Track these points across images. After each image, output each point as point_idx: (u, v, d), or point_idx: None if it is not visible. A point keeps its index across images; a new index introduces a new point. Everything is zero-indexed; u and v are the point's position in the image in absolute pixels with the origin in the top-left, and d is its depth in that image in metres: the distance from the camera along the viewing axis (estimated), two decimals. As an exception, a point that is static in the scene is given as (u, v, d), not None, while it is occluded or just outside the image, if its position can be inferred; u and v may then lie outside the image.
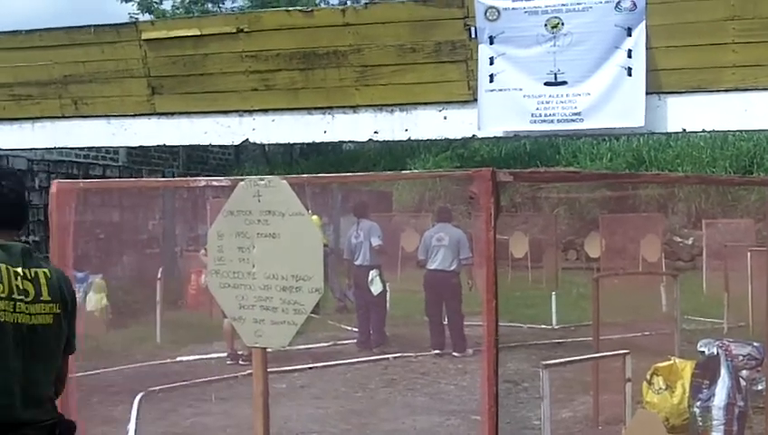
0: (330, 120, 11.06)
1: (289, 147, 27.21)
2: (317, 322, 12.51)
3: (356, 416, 8.16)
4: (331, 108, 11.04)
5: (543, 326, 13.34)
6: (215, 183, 4.31)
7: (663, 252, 19.49)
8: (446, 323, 11.75)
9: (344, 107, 10.98)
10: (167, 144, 12.76)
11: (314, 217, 13.60)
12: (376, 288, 11.62)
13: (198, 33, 11.44)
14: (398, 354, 11.17)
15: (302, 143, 18.52)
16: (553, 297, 13.70)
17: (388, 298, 12.57)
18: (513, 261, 20.45)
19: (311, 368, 10.22)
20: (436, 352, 11.35)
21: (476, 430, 6.31)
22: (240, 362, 10.26)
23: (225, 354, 10.76)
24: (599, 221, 20.99)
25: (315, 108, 11.08)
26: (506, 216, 24.68)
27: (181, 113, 11.63)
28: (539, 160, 27.33)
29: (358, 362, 10.83)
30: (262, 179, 3.84)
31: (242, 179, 3.90)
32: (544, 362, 5.98)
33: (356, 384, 9.58)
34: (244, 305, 3.87)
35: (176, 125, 11.70)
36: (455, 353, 11.22)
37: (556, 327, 13.22)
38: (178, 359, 10.96)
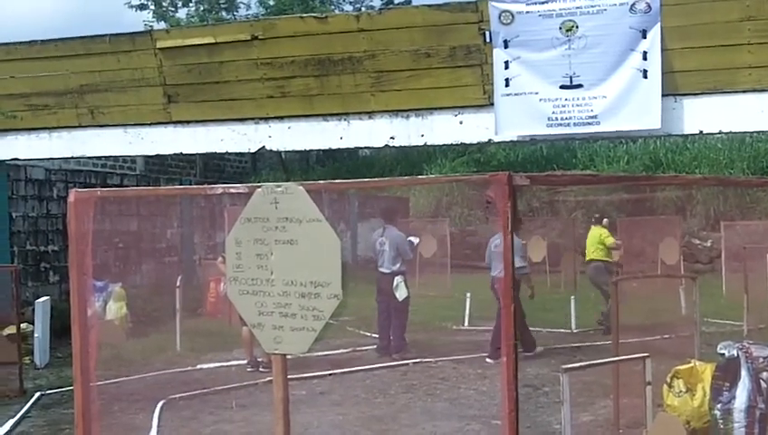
0: (345, 127, 11.09)
1: (305, 154, 27.30)
2: (336, 328, 12.51)
3: (376, 422, 8.14)
4: (346, 114, 11.07)
5: (563, 330, 13.27)
6: (231, 190, 4.30)
7: (681, 254, 19.36)
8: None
9: (360, 113, 11.01)
10: (183, 152, 12.81)
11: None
12: (401, 294, 11.60)
13: (213, 41, 11.50)
14: (418, 360, 11.14)
15: (319, 150, 18.61)
16: (572, 301, 13.63)
17: (408, 304, 12.56)
18: (531, 265, 20.36)
19: (330, 374, 10.21)
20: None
21: (496, 435, 6.30)
22: (260, 369, 10.27)
23: (245, 362, 10.77)
24: (616, 224, 20.89)
25: (331, 114, 11.11)
26: (524, 220, 24.64)
27: (197, 121, 11.70)
28: (555, 164, 27.30)
29: (377, 368, 10.80)
30: (279, 186, 3.84)
31: (259, 186, 3.90)
32: (564, 367, 5.95)
33: (376, 390, 9.55)
34: (263, 312, 3.87)
35: (192, 133, 11.76)
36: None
37: (575, 331, 13.15)
38: (198, 367, 10.97)
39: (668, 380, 6.76)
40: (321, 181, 11.90)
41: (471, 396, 9.13)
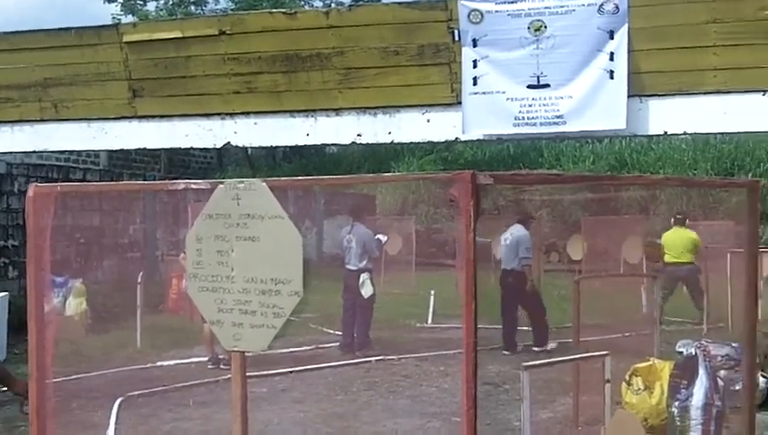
0: (312, 123, 11.04)
1: (272, 150, 27.20)
2: (299, 325, 12.49)
3: (337, 419, 8.15)
4: (313, 111, 11.02)
5: (526, 328, 13.33)
6: (193, 186, 4.27)
7: (644, 254, 19.53)
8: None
9: (327, 110, 10.97)
10: (147, 147, 12.68)
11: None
12: (366, 291, 11.62)
13: (180, 36, 11.39)
14: (381, 357, 11.16)
15: (285, 146, 18.51)
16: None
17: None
18: (496, 263, 20.45)
19: (292, 372, 10.18)
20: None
21: (457, 432, 6.32)
22: (221, 366, 10.22)
23: (207, 359, 10.72)
24: (581, 223, 21.05)
25: (298, 111, 11.06)
26: (489, 218, 24.74)
27: (162, 116, 11.59)
28: (522, 163, 27.46)
29: (340, 365, 10.80)
30: (241, 182, 3.82)
31: (221, 182, 3.88)
32: (525, 364, 6.00)
33: (338, 388, 9.55)
34: (223, 309, 3.85)
35: (156, 128, 11.65)
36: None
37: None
38: (159, 364, 10.90)
39: (627, 377, 6.83)
40: (287, 178, 11.87)
41: (433, 393, 9.16)
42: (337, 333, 12.31)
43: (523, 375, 5.84)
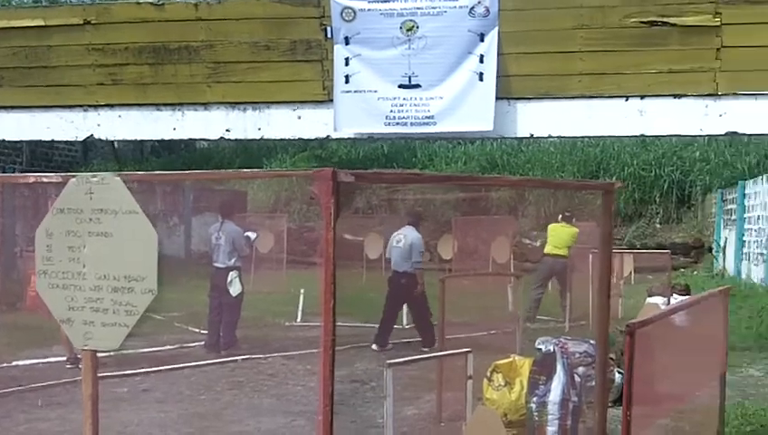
0: (180, 117, 10.84)
1: (139, 144, 26.53)
2: (163, 324, 12.22)
3: (199, 419, 7.98)
4: (181, 104, 10.82)
5: (395, 326, 13.43)
6: (44, 179, 4.10)
7: (512, 253, 19.98)
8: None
9: (195, 104, 10.80)
10: (6, 139, 12.16)
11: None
12: (235, 290, 11.42)
13: (43, 24, 11.00)
14: (247, 356, 11.01)
15: (151, 140, 18.11)
16: (404, 298, 13.80)
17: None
18: (368, 262, 20.56)
19: (154, 371, 9.93)
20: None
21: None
22: (79, 366, 9.84)
23: (65, 358, 10.33)
24: (452, 223, 21.36)
25: (165, 104, 10.84)
26: (362, 217, 24.85)
27: (22, 107, 11.15)
28: (396, 163, 27.65)
29: (205, 364, 10.59)
30: (94, 176, 3.69)
31: (73, 176, 3.74)
32: (388, 362, 6.02)
33: (201, 387, 9.36)
34: (74, 307, 3.72)
35: (16, 119, 11.21)
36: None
37: (407, 327, 13.34)
38: (15, 363, 10.45)
39: (488, 374, 6.94)
40: (153, 172, 11.58)
41: (298, 392, 9.10)
42: (203, 331, 12.08)
43: (386, 373, 5.86)
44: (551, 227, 15.54)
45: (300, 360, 10.82)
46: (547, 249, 15.00)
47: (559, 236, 14.82)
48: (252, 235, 12.63)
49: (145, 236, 3.63)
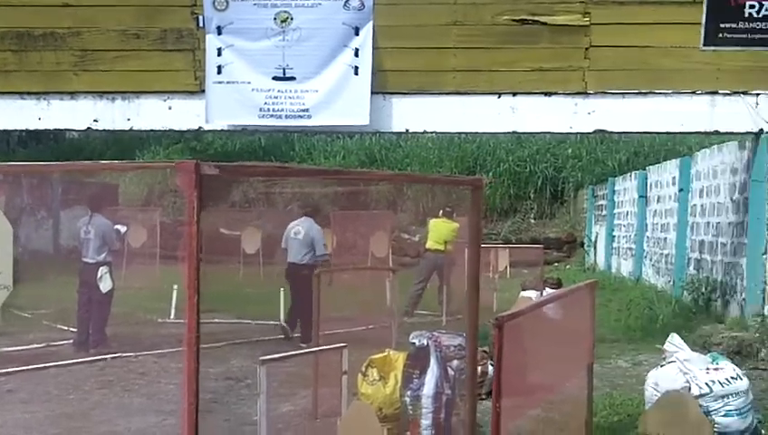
0: (45, 107, 10.43)
1: (6, 134, 25.45)
2: (30, 321, 11.75)
3: (66, 419, 7.69)
4: (46, 93, 10.42)
5: (272, 322, 13.30)
6: None
7: (391, 248, 20.11)
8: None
9: (61, 93, 10.41)
10: None
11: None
12: (105, 286, 11.06)
13: None
14: (117, 355, 10.68)
15: (15, 130, 17.38)
16: (282, 293, 13.69)
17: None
18: (245, 257, 20.33)
19: (20, 371, 9.53)
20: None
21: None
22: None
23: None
24: (330, 217, 21.32)
25: (29, 92, 10.42)
26: (239, 211, 24.56)
27: None
28: (273, 156, 27.43)
29: (73, 363, 10.22)
30: (-61, 165, 3.46)
31: None
32: (261, 358, 5.91)
33: (69, 387, 9.02)
34: None
35: None
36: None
37: (285, 323, 13.23)
38: None
39: (363, 369, 6.92)
40: (18, 163, 11.09)
41: (170, 391, 8.87)
42: (72, 329, 11.66)
43: (259, 369, 5.76)
44: (431, 222, 15.70)
45: (172, 358, 10.56)
46: (428, 244, 15.14)
47: (440, 231, 14.99)
48: (122, 228, 12.27)
49: (0, 231, 3.43)
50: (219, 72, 10.02)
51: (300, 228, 12.26)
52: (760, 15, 10.10)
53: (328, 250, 18.83)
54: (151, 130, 11.63)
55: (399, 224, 24.36)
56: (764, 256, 10.78)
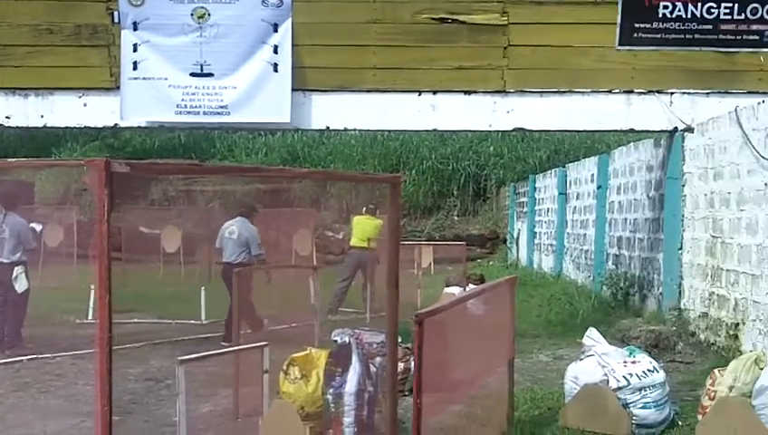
0: (-45, 103, 10.10)
1: None
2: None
3: (-21, 423, 7.49)
4: (-42, 89, 10.08)
5: (193, 322, 13.15)
6: None
7: (315, 246, 20.05)
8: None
9: (-29, 89, 10.08)
10: None
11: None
12: (20, 286, 10.80)
13: None
14: (33, 356, 10.43)
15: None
16: (203, 292, 13.55)
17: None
18: (165, 256, 20.05)
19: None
20: None
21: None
22: None
23: None
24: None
25: (-61, 88, 10.07)
26: (159, 210, 24.20)
27: None
28: (194, 153, 27.12)
29: (-13, 365, 9.96)
30: None
31: None
32: (180, 358, 5.83)
33: (-17, 390, 8.79)
34: None
35: None
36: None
37: (205, 322, 13.10)
38: None
39: (285, 367, 6.87)
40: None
41: (88, 392, 8.68)
42: (-14, 331, 11.34)
43: (178, 369, 5.68)
44: (355, 219, 15.70)
45: (90, 359, 10.33)
46: (353, 242, 15.16)
47: (363, 228, 15.00)
48: (37, 227, 12.00)
49: None
50: (135, 68, 9.85)
51: (234, 228, 12.16)
52: (673, 16, 10.34)
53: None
54: (66, 127, 11.35)
55: (323, 221, 24.33)
56: (680, 252, 11.03)
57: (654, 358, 7.53)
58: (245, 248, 12.01)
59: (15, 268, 10.84)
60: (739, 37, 10.37)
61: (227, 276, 12.22)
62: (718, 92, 10.53)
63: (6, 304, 10.91)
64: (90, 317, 13.31)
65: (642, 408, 6.77)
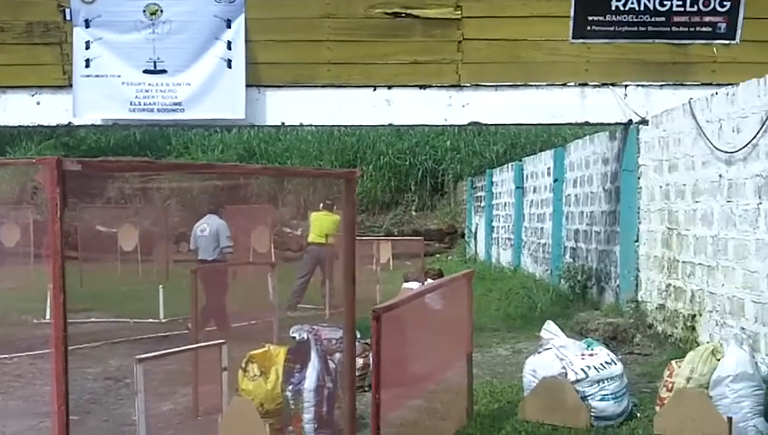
0: None
1: None
2: None
3: (-62, 425, 7.38)
4: None
5: (151, 320, 13.06)
6: None
7: (273, 243, 19.99)
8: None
9: None
10: None
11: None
12: None
13: None
14: (-10, 356, 10.32)
15: None
16: (161, 291, 13.46)
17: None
18: (122, 254, 19.88)
19: None
20: None
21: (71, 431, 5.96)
22: None
23: None
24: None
25: None
26: (116, 208, 23.98)
27: None
28: (150, 150, 26.88)
29: (-55, 367, 9.80)
30: None
31: None
32: (138, 357, 5.80)
33: (-58, 391, 8.66)
34: None
35: None
36: None
37: (164, 320, 13.02)
38: None
39: (243, 364, 6.86)
40: None
41: (47, 392, 8.56)
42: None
43: (136, 368, 5.65)
44: (313, 215, 15.69)
45: (48, 359, 10.22)
46: (311, 238, 15.14)
47: (321, 224, 14.99)
48: None
49: None
50: (87, 65, 9.76)
51: (205, 226, 12.25)
52: (626, 8, 10.44)
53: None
54: (20, 126, 11.22)
55: (281, 218, 24.25)
56: (636, 244, 11.15)
57: (612, 350, 7.60)
58: (216, 244, 12.08)
59: None
60: (692, 29, 10.48)
61: (204, 273, 12.28)
62: (672, 85, 10.65)
63: None
64: (47, 317, 13.14)
65: (601, 400, 6.84)
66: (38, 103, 10.11)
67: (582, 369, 6.92)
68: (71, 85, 9.89)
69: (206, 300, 11.88)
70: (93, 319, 12.94)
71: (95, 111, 9.96)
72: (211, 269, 11.94)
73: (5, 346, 10.90)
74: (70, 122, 10.31)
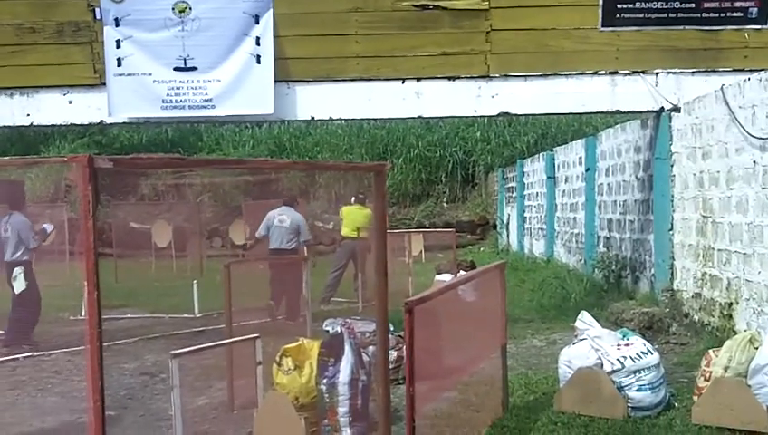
0: (-59, 103, 10.07)
1: None
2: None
3: (-22, 422, 7.48)
4: (-60, 89, 10.06)
5: (186, 315, 13.16)
6: None
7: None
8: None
9: (-41, 88, 10.06)
10: None
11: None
12: (18, 286, 10.79)
13: None
14: (29, 354, 10.44)
15: None
16: (195, 286, 13.56)
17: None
18: (156, 251, 20.06)
19: None
20: None
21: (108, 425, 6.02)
22: None
23: None
24: (242, 208, 21.13)
25: (-77, 89, 10.03)
26: (149, 204, 24.19)
27: None
28: (182, 147, 27.07)
29: (-15, 365, 9.95)
30: None
31: None
32: (173, 352, 5.84)
33: (-19, 389, 8.79)
34: None
35: None
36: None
37: (198, 315, 13.12)
38: None
39: (278, 358, 6.88)
40: None
41: (84, 389, 8.69)
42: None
43: (171, 363, 5.69)
44: (344, 209, 15.71)
45: (85, 355, 10.34)
46: (344, 232, 15.19)
47: (354, 218, 15.04)
48: (48, 226, 12.01)
49: None
50: (119, 64, 9.85)
51: (285, 217, 12.70)
52: (655, -5, 10.35)
53: (241, 241, 18.82)
54: (53, 126, 11.35)
55: (313, 212, 24.32)
56: (671, 232, 11.05)
57: (648, 340, 7.53)
58: (295, 235, 12.34)
59: (15, 268, 10.84)
60: (723, 15, 10.36)
61: (277, 264, 12.53)
62: (703, 71, 10.54)
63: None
64: (84, 314, 13.31)
65: (637, 390, 6.78)
66: (70, 102, 10.20)
67: (618, 359, 6.86)
68: (102, 84, 9.99)
69: (285, 291, 12.07)
70: (129, 315, 13.06)
71: (128, 109, 10.06)
72: (291, 260, 12.29)
73: (43, 343, 11.05)
74: (102, 121, 10.41)
